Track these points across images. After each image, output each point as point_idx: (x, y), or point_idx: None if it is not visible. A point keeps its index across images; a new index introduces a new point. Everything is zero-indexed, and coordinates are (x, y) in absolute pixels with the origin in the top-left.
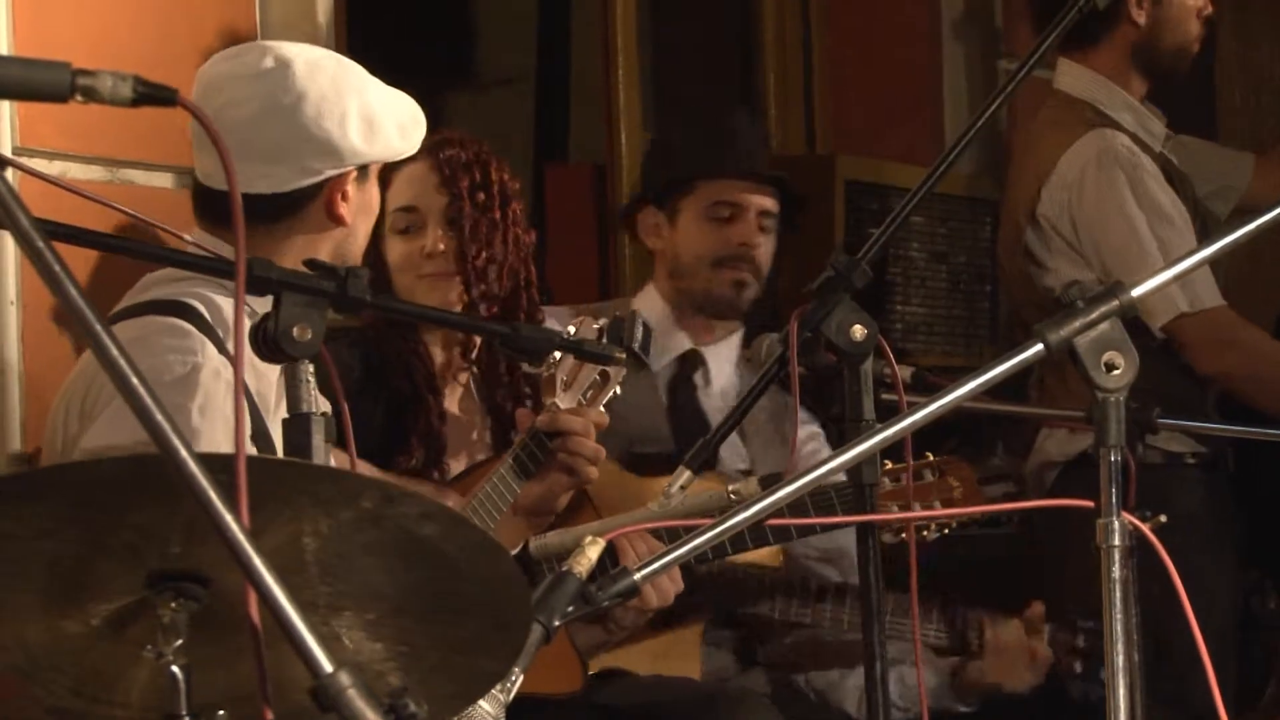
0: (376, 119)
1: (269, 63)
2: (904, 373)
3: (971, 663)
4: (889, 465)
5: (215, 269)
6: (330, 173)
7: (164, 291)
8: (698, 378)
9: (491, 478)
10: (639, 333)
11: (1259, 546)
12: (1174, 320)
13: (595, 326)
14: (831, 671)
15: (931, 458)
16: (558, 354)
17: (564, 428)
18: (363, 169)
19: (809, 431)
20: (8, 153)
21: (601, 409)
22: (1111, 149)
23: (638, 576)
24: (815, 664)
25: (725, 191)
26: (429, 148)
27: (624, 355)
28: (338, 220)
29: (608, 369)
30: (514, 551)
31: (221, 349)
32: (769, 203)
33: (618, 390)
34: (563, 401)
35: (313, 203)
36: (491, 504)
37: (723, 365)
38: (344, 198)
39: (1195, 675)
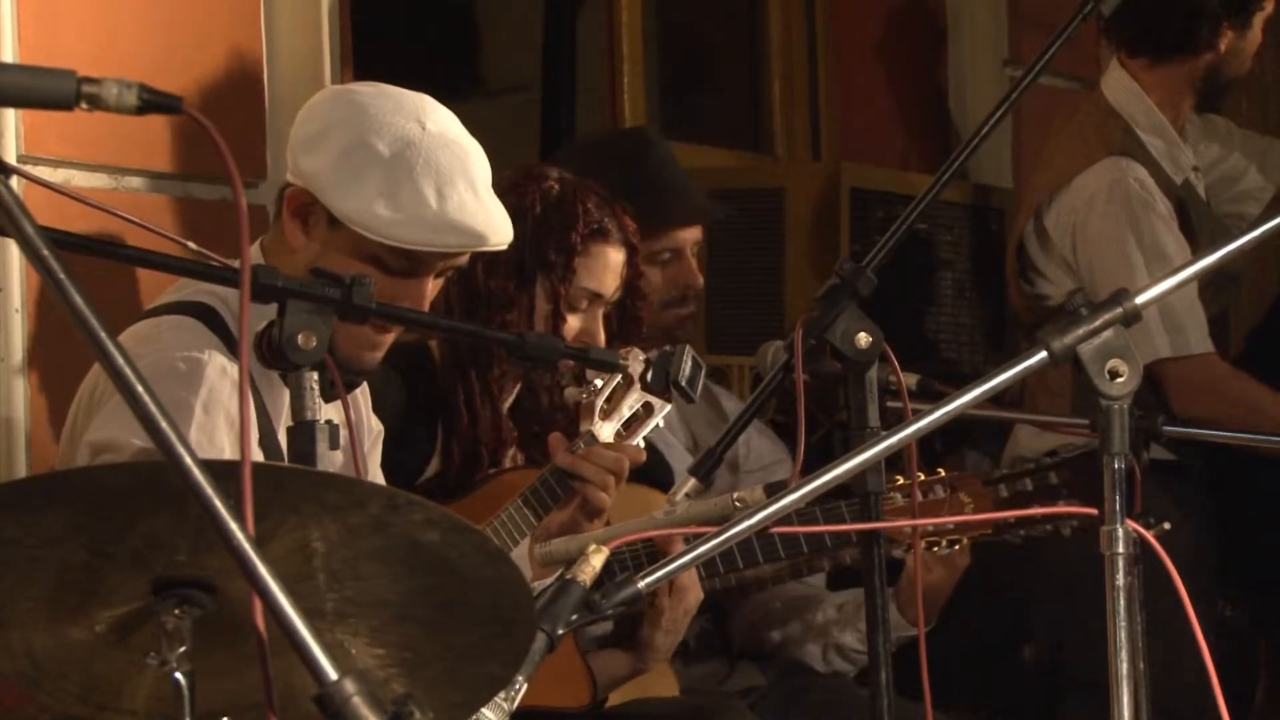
0: (401, 197)
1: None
2: (909, 380)
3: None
4: (900, 480)
5: (219, 276)
6: (290, 179)
7: (188, 294)
8: None
9: (510, 506)
10: (687, 367)
11: (1236, 557)
12: (1157, 363)
13: (643, 358)
14: (793, 626)
15: (943, 472)
16: (598, 381)
17: (582, 474)
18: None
19: (775, 458)
20: (13, 160)
21: (640, 443)
22: (1123, 184)
23: (642, 584)
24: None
25: (662, 238)
26: (619, 237)
27: (626, 365)
28: (290, 230)
29: (651, 401)
30: (550, 580)
31: (236, 352)
32: (698, 233)
33: (660, 424)
34: (600, 430)
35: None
36: (513, 527)
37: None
38: (305, 218)
39: (1179, 680)
